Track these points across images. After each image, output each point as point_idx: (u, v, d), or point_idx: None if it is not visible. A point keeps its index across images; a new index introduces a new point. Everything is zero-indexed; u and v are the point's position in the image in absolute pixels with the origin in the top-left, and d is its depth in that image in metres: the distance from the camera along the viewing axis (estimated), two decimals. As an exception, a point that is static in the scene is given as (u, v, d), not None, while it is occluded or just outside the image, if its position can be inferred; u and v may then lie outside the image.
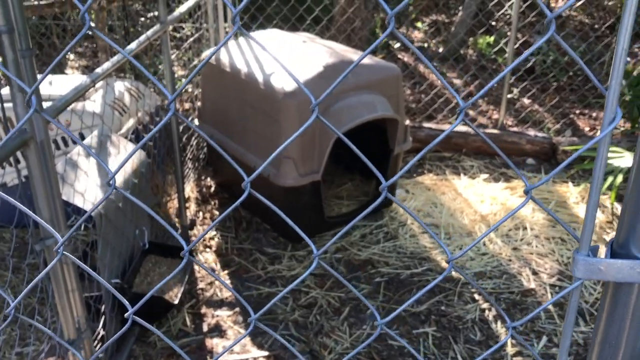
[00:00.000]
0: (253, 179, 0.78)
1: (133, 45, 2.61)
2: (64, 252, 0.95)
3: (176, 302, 2.63)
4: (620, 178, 3.52)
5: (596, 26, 6.65)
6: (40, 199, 1.82)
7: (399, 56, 6.39)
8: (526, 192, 0.66)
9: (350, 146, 0.81)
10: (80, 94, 2.09)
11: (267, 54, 3.23)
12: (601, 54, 5.49)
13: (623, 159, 3.59)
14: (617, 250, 0.61)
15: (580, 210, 3.80)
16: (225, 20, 4.27)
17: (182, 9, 3.29)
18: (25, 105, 1.70)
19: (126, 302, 0.95)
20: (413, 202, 3.86)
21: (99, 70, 2.28)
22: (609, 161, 3.61)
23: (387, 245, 3.42)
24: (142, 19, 5.42)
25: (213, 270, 3.21)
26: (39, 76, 1.55)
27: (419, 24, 7.05)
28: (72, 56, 6.06)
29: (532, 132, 4.54)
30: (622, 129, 4.79)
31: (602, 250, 3.25)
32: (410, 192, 4.00)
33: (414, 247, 3.43)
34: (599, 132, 4.90)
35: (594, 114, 5.08)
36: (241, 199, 0.79)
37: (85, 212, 2.24)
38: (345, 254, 3.34)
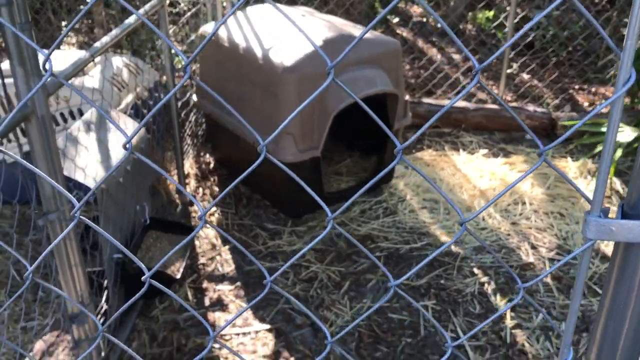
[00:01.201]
0: (267, 143, 0.77)
1: (131, 19, 2.58)
2: (79, 216, 0.95)
3: (178, 276, 2.65)
4: (619, 152, 3.53)
5: (596, 0, 6.60)
6: (42, 173, 1.81)
7: (398, 31, 6.35)
8: (540, 155, 0.67)
9: (368, 111, 0.81)
10: (80, 68, 2.07)
11: (267, 29, 3.19)
12: (602, 27, 5.45)
13: (623, 133, 3.59)
14: (627, 212, 0.61)
15: (579, 184, 3.81)
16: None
17: (180, -18, 3.26)
18: (27, 75, 1.68)
19: (142, 266, 0.95)
20: (412, 178, 3.87)
21: (97, 44, 2.26)
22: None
23: (386, 220, 3.44)
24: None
25: (214, 246, 3.23)
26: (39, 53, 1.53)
27: (417, -1, 6.98)
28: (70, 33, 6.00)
29: (531, 108, 4.53)
30: (621, 103, 4.79)
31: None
32: (409, 167, 4.00)
33: (413, 222, 3.45)
34: (597, 107, 4.91)
35: (593, 89, 5.07)
36: (258, 162, 0.79)
37: (87, 187, 2.25)
38: (345, 229, 3.36)
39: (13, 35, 1.65)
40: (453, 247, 3.23)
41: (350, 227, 3.37)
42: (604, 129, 3.66)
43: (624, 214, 0.60)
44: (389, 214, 3.51)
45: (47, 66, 0.85)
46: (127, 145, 0.83)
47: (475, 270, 3.06)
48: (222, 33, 3.48)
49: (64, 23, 5.80)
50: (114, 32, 2.41)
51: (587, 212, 0.62)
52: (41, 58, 1.69)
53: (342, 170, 3.89)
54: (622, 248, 0.61)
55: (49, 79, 1.93)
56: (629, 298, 0.62)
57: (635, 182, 0.61)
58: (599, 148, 3.73)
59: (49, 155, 1.81)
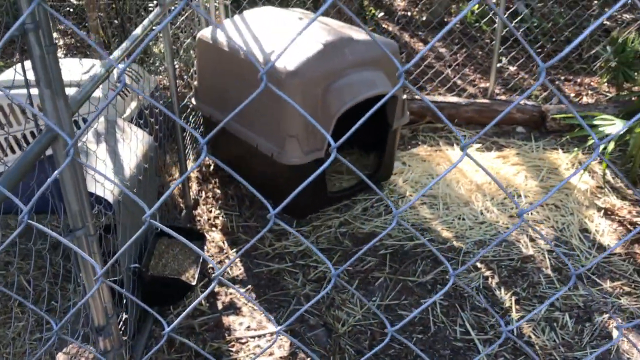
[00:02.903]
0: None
1: (138, 30, 2.60)
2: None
3: (194, 283, 2.70)
4: (612, 145, 3.64)
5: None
6: (69, 193, 1.85)
7: (384, 25, 6.40)
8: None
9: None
10: (98, 84, 2.10)
11: (266, 32, 3.21)
12: (587, 21, 5.57)
13: (614, 126, 3.70)
14: None
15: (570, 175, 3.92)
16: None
17: (179, -11, 3.27)
18: (53, 96, 1.71)
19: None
20: (410, 174, 3.95)
21: (112, 56, 2.28)
22: (600, 129, 3.72)
23: (388, 217, 3.52)
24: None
25: (221, 249, 3.28)
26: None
27: (402, -8, 7.04)
28: (55, 34, 5.95)
29: (521, 101, 4.63)
30: (608, 95, 4.91)
31: (595, 216, 3.34)
32: (407, 164, 4.09)
33: (414, 218, 3.53)
34: (584, 98, 5.00)
35: (579, 80, 5.19)
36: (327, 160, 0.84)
37: (107, 201, 2.28)
38: (349, 227, 3.43)
39: (40, 58, 1.68)
40: (455, 242, 3.32)
41: (354, 226, 3.44)
42: (595, 122, 3.77)
43: None
44: (390, 211, 3.59)
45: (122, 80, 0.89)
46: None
47: (479, 265, 3.15)
48: (221, 38, 3.51)
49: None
50: (125, 44, 2.44)
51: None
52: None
53: (342, 168, 3.96)
54: None
55: (70, 98, 1.97)
56: None
57: None
58: (591, 141, 3.84)
59: (75, 175, 1.84)
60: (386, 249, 3.27)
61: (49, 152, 1.84)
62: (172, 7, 3.36)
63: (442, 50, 5.83)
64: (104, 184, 2.28)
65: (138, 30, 2.60)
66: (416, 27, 6.26)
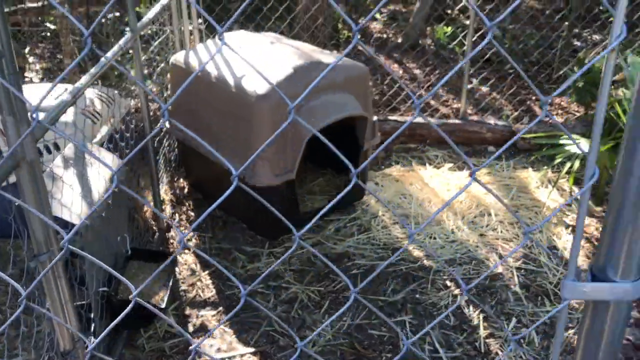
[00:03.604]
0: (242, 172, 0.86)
1: (109, 54, 2.64)
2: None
3: (163, 305, 2.70)
4: (577, 164, 3.72)
5: (547, 12, 6.89)
6: (33, 218, 1.87)
7: (360, 48, 6.50)
8: (471, 175, 0.78)
9: (329, 146, 0.91)
10: (63, 110, 2.13)
11: (238, 57, 3.28)
12: (555, 41, 5.71)
13: (580, 145, 3.78)
14: (596, 274, 0.73)
15: (540, 194, 4.00)
16: (190, 18, 4.29)
17: (150, 14, 3.32)
18: (17, 123, 1.73)
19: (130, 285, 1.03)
20: (383, 194, 4.00)
21: (78, 84, 2.32)
22: (566, 147, 3.81)
23: (361, 237, 3.56)
24: (109, 22, 5.37)
25: (193, 271, 3.29)
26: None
27: (377, 15, 7.17)
28: (31, 59, 5.97)
29: (492, 121, 4.72)
30: (577, 114, 5.03)
31: (563, 234, 3.41)
32: (380, 184, 4.14)
33: (386, 238, 3.57)
34: (555, 117, 5.10)
35: (549, 100, 5.30)
36: (229, 189, 0.88)
37: (74, 225, 2.29)
38: (322, 248, 3.46)
39: (2, 87, 1.70)
40: (426, 261, 3.36)
41: (326, 246, 3.47)
42: (561, 141, 3.86)
43: (593, 277, 0.72)
44: (363, 230, 3.63)
45: (35, 115, 0.93)
46: (114, 179, 0.91)
47: (448, 283, 3.19)
48: (194, 62, 3.55)
49: (26, 49, 5.77)
50: (93, 70, 2.47)
51: (565, 276, 0.73)
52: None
53: (315, 189, 4.00)
54: (592, 305, 0.73)
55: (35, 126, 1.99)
56: (597, 348, 0.75)
57: (602, 251, 0.73)
58: (558, 159, 3.93)
59: (39, 199, 1.86)
60: (358, 268, 3.30)
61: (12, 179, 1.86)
62: (143, 33, 3.41)
63: (417, 71, 5.93)
64: (70, 208, 2.29)
65: (109, 55, 2.64)
66: (391, 48, 6.37)
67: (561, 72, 5.34)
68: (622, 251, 0.69)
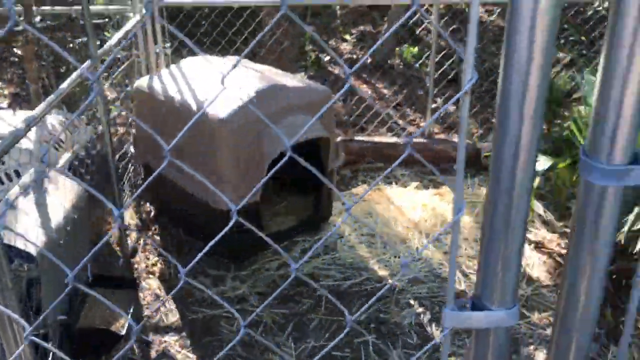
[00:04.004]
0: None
1: (64, 84, 2.65)
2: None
3: (123, 332, 2.69)
4: (537, 181, 3.80)
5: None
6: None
7: (329, 68, 6.58)
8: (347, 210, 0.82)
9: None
10: (18, 139, 2.13)
11: (201, 81, 3.30)
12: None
13: (538, 162, 3.87)
14: (476, 302, 0.77)
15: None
16: (156, 43, 4.32)
17: (112, 41, 3.34)
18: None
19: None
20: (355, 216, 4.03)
21: (34, 112, 2.32)
22: (526, 165, 3.89)
23: (326, 258, 3.58)
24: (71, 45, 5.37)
25: (157, 296, 3.28)
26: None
27: (347, 36, 7.27)
28: (-1, 84, 5.94)
29: (457, 139, 4.80)
30: (538, 131, 5.14)
31: (526, 250, 3.51)
32: (346, 204, 4.17)
33: (352, 258, 3.60)
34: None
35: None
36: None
37: (28, 254, 2.28)
38: (287, 270, 3.47)
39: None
40: (390, 280, 3.39)
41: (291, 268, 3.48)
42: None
43: (474, 305, 0.76)
44: (329, 251, 3.66)
45: None
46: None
47: (412, 302, 3.23)
48: (157, 86, 3.58)
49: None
50: (51, 97, 2.48)
51: (446, 306, 0.77)
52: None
53: (281, 211, 4.02)
54: (475, 332, 0.77)
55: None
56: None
57: (479, 281, 0.76)
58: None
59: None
60: (324, 290, 3.32)
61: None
62: (105, 58, 3.42)
63: (384, 91, 6.01)
64: (26, 236, 2.28)
65: (64, 85, 2.65)
66: (361, 69, 6.46)
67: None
68: (497, 280, 0.72)
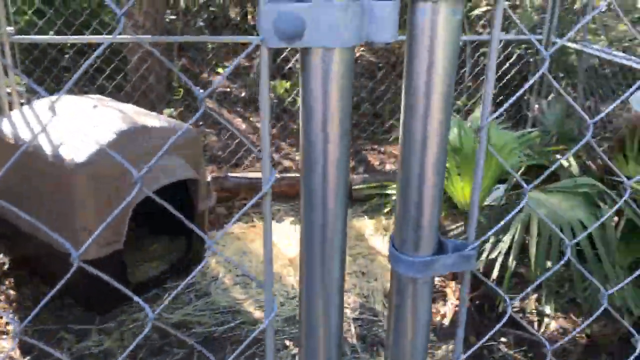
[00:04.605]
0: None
1: None
2: None
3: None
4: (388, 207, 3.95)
5: (380, 64, 7.37)
6: None
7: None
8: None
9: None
10: None
11: (57, 121, 3.10)
12: (387, 89, 6.10)
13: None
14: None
15: (375, 241, 4.18)
16: (7, 75, 4.02)
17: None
18: None
19: None
20: (224, 253, 3.94)
21: None
22: (394, 197, 4.03)
23: (199, 303, 3.46)
24: None
25: (12, 359, 2.98)
26: None
27: (220, 70, 7.22)
28: None
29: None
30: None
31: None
32: (220, 243, 4.09)
33: (226, 301, 3.51)
34: (387, 165, 5.40)
35: (382, 149, 5.62)
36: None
37: None
38: (158, 319, 3.31)
39: None
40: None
41: (161, 316, 3.33)
42: (389, 191, 4.08)
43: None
44: (202, 295, 3.54)
45: None
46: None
47: (287, 343, 3.19)
48: (7, 130, 3.31)
49: None
50: None
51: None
52: None
53: (151, 255, 3.84)
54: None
55: None
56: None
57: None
58: (387, 208, 4.14)
59: None
60: (196, 337, 3.19)
61: None
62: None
63: (259, 125, 6.01)
64: None
65: None
66: (234, 102, 6.43)
67: (391, 122, 5.70)
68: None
